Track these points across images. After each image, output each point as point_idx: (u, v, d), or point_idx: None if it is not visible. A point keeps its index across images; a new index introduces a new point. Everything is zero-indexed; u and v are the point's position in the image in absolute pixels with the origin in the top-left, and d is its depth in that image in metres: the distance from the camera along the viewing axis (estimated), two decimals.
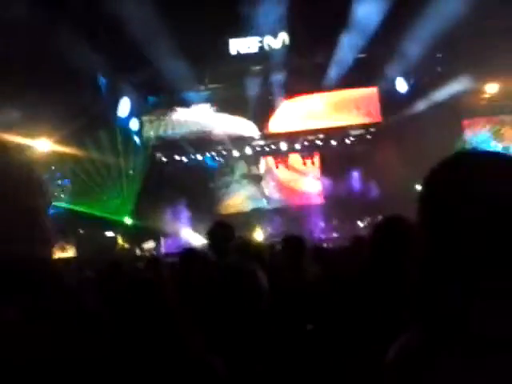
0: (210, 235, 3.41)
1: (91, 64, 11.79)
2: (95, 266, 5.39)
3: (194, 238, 15.32)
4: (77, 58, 10.61)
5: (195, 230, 15.54)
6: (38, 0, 9.36)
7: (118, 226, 15.10)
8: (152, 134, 15.95)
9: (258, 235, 15.12)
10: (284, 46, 14.31)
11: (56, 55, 10.26)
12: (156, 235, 15.47)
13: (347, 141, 16.75)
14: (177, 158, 16.73)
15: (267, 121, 16.37)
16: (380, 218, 14.34)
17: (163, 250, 15.46)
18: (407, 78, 14.78)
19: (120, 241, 15.11)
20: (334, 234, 15.22)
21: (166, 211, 15.94)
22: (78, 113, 12.02)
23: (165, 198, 15.82)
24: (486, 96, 15.02)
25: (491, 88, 14.87)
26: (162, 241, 15.72)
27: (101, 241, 14.13)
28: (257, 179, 17.33)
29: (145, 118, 15.94)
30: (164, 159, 16.71)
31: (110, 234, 15.02)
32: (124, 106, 15.06)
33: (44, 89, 10.50)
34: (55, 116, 11.05)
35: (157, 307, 1.88)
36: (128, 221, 15.34)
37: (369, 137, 16.53)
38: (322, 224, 15.93)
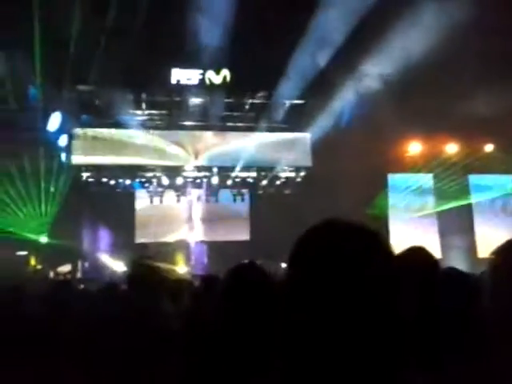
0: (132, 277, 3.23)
1: (21, 73, 11.35)
2: None
3: (113, 264, 14.78)
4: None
5: (115, 255, 15.01)
6: None
7: (32, 246, 14.24)
8: (81, 152, 15.42)
9: (181, 268, 14.86)
10: (225, 82, 14.55)
11: None
12: (73, 258, 14.75)
13: (277, 182, 17.15)
14: (104, 179, 16.24)
15: (201, 153, 16.39)
16: None
17: (79, 274, 14.75)
18: (339, 128, 15.39)
19: (33, 261, 14.24)
20: None
21: (86, 233, 15.31)
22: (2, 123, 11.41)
23: (86, 219, 15.21)
24: (409, 155, 15.99)
25: (414, 147, 15.88)
26: (80, 264, 15.01)
27: (8, 260, 13.20)
28: (185, 210, 17.15)
29: (75, 136, 15.41)
30: (90, 179, 16.16)
31: (22, 253, 14.13)
32: (54, 121, 14.48)
33: None
34: None
35: None
36: (43, 240, 14.52)
37: (298, 180, 17.02)
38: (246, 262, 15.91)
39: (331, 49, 12.13)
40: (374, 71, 12.61)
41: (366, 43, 11.86)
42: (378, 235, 0.89)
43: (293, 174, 17.08)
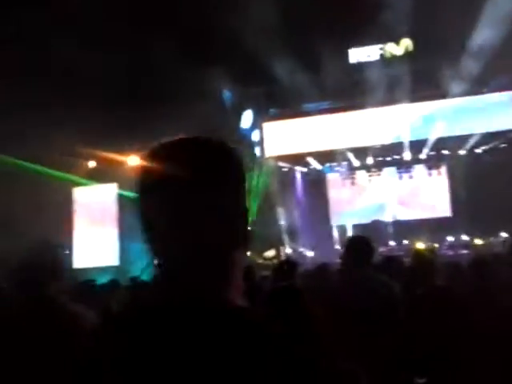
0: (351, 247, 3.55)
1: (216, 78, 12.49)
2: None
3: (313, 247, 15.40)
4: (202, 72, 11.37)
5: (312, 238, 15.60)
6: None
7: None
8: (272, 145, 16.34)
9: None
10: (407, 52, 13.79)
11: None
12: (275, 244, 15.77)
13: (478, 150, 15.57)
14: (297, 167, 16.95)
15: (390, 130, 15.84)
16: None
17: (283, 258, 15.69)
18: None
19: None
20: (464, 251, 13.97)
21: (286, 220, 16.21)
22: (203, 126, 12.71)
23: (284, 207, 16.09)
24: None
25: None
26: (281, 249, 15.98)
27: None
28: (378, 189, 16.83)
29: (266, 130, 16.39)
30: (284, 169, 17.03)
31: None
32: (247, 119, 15.67)
33: (169, 104, 11.39)
34: (177, 130, 11.72)
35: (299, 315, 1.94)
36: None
37: (503, 146, 15.19)
38: (449, 239, 14.91)
39: None
40: None
41: None
42: None
43: (495, 141, 15.29)
